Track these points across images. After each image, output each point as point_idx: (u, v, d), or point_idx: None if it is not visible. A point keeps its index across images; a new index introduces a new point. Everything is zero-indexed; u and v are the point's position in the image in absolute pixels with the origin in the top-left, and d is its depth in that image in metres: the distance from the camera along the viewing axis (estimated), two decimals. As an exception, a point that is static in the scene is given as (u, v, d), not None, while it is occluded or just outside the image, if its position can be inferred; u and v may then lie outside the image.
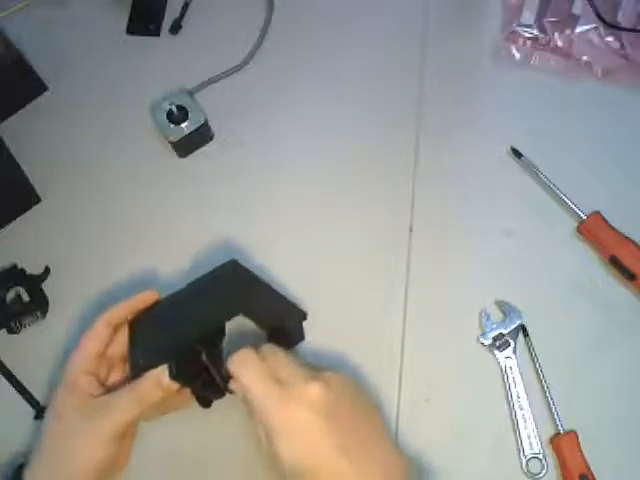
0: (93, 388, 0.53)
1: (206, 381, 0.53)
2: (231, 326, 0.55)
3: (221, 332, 0.55)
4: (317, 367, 0.51)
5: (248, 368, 0.49)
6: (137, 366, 0.53)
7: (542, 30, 0.70)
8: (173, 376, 0.50)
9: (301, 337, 0.60)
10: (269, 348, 0.51)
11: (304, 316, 0.58)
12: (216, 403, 0.54)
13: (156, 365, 0.51)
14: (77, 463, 0.50)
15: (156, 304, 0.56)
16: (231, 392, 0.51)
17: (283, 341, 0.54)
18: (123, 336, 0.56)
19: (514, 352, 0.60)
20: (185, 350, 0.52)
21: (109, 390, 0.54)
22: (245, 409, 0.50)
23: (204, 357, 0.52)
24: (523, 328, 0.61)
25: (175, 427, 0.58)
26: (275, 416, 0.48)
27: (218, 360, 0.53)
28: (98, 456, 0.50)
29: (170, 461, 0.59)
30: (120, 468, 0.54)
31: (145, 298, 0.56)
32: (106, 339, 0.55)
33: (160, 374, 0.51)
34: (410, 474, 0.49)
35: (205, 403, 0.54)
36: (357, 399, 0.51)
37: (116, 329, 0.55)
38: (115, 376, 0.56)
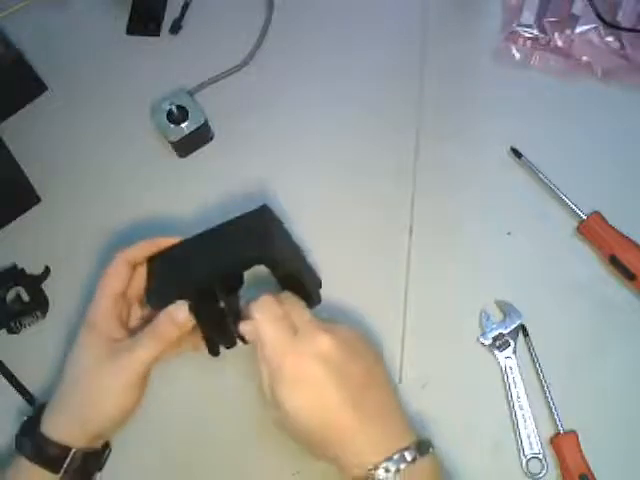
0: (115, 331, 0.53)
1: (220, 326, 0.52)
2: (249, 280, 0.55)
3: (239, 280, 0.55)
4: (333, 321, 0.51)
5: (265, 310, 0.49)
6: (153, 304, 0.53)
7: (542, 30, 0.70)
8: (190, 311, 0.51)
9: (318, 300, 0.57)
10: (288, 296, 0.51)
11: (320, 283, 0.58)
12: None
13: (172, 298, 0.51)
14: (100, 406, 0.51)
15: (178, 245, 0.55)
16: (243, 341, 0.51)
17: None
18: (141, 276, 0.55)
19: (514, 352, 0.60)
20: (202, 290, 0.52)
21: (130, 331, 0.54)
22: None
23: (221, 303, 0.52)
24: (523, 328, 0.61)
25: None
26: (283, 361, 0.48)
27: (234, 307, 0.53)
28: (124, 397, 0.51)
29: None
30: (134, 410, 0.54)
31: (166, 241, 0.55)
32: (126, 277, 0.54)
33: (176, 310, 0.51)
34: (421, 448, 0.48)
35: (215, 351, 0.54)
36: (368, 357, 0.51)
37: (134, 268, 0.55)
38: (134, 316, 0.56)
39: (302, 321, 0.50)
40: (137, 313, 0.57)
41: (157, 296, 0.54)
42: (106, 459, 0.56)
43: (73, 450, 0.51)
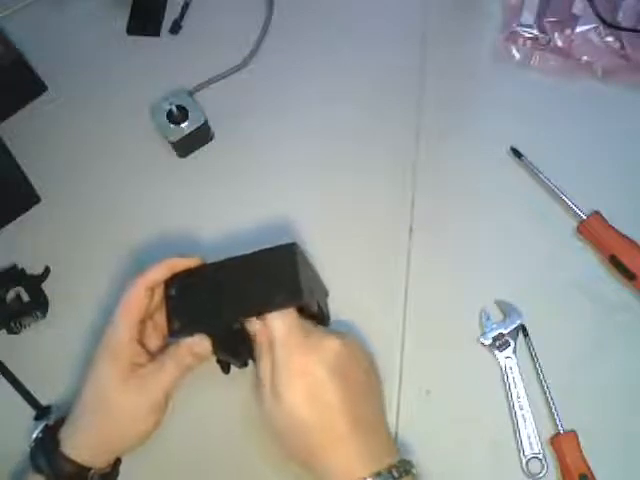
0: (137, 356, 0.53)
1: (235, 351, 0.54)
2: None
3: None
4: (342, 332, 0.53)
5: (282, 314, 0.50)
6: (175, 330, 0.53)
7: (542, 30, 0.70)
8: (214, 351, 0.52)
9: (329, 317, 0.59)
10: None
11: (327, 293, 0.60)
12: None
13: (196, 332, 0.52)
14: (127, 427, 0.53)
15: (199, 271, 0.54)
16: (254, 359, 0.53)
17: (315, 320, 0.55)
18: (158, 296, 0.55)
19: (514, 352, 0.60)
20: (226, 326, 0.53)
21: (150, 354, 0.55)
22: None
23: (236, 327, 0.53)
24: (523, 328, 0.61)
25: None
26: (292, 355, 0.49)
27: (249, 333, 0.53)
28: (147, 419, 0.53)
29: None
30: (154, 432, 0.55)
31: (187, 261, 0.54)
32: (147, 302, 0.54)
33: (199, 345, 0.52)
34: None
35: (227, 371, 0.56)
36: (369, 369, 0.52)
37: (153, 290, 0.54)
38: (153, 335, 0.56)
39: (314, 326, 0.52)
40: (154, 332, 0.56)
41: (181, 329, 0.53)
42: (117, 475, 0.56)
43: (92, 470, 0.52)
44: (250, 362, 0.56)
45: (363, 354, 0.53)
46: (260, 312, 0.51)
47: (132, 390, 0.52)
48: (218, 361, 0.56)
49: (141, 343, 0.54)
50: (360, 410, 0.49)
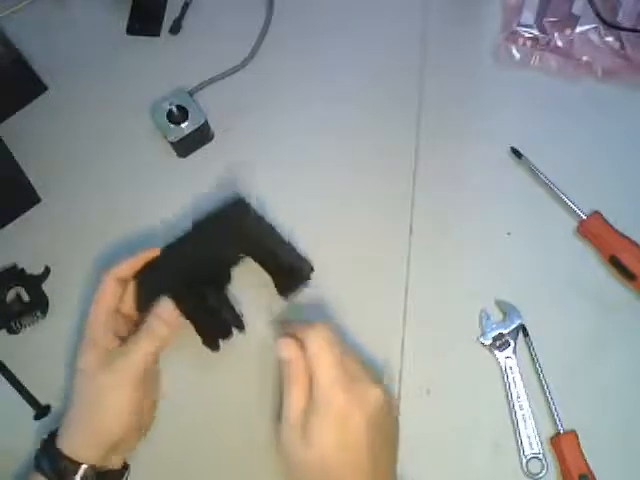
0: (111, 342, 0.55)
1: (212, 320, 0.55)
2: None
3: (227, 277, 0.57)
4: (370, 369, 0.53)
5: (328, 349, 0.50)
6: (142, 309, 0.56)
7: (542, 30, 0.70)
8: (178, 308, 0.54)
9: (308, 276, 0.60)
10: (334, 331, 0.52)
11: (311, 267, 0.60)
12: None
13: (159, 296, 0.54)
14: (106, 413, 0.52)
15: (161, 255, 0.57)
16: (239, 327, 0.55)
17: (288, 285, 0.57)
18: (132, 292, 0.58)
19: (514, 352, 0.60)
20: (190, 291, 0.55)
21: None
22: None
23: (210, 300, 0.55)
24: (523, 328, 0.61)
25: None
26: (335, 398, 0.48)
27: (225, 301, 0.56)
28: (124, 401, 0.52)
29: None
30: (147, 422, 0.56)
31: (148, 254, 0.58)
32: (117, 293, 0.56)
33: (161, 307, 0.54)
34: None
35: (213, 346, 0.57)
36: (395, 426, 0.53)
37: (125, 285, 0.57)
38: (131, 332, 0.57)
39: (355, 367, 0.51)
40: (134, 328, 0.57)
41: (145, 302, 0.56)
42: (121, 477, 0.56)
43: (84, 466, 0.52)
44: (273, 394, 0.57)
45: (394, 407, 0.53)
46: (212, 268, 0.55)
47: (104, 373, 0.52)
48: (199, 333, 0.56)
49: (120, 337, 0.55)
50: (382, 463, 0.50)
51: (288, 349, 0.51)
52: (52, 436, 0.54)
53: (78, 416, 0.53)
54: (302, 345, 0.50)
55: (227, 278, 0.57)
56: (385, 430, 0.51)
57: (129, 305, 0.58)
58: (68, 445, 0.52)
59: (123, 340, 0.55)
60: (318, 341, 0.50)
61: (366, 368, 0.52)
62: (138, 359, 0.53)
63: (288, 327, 0.54)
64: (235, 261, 0.56)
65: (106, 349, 0.54)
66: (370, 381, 0.50)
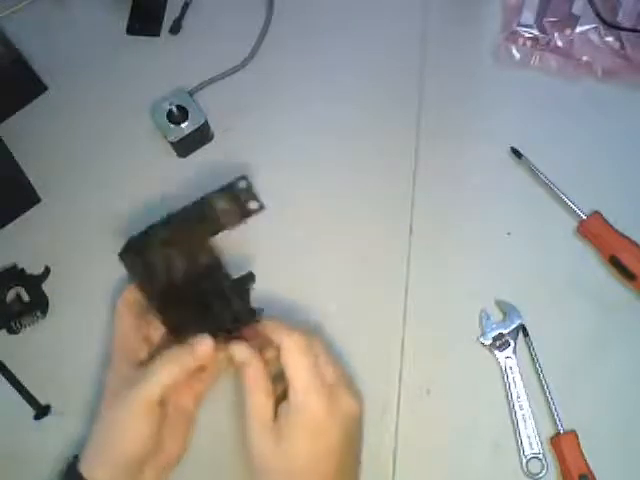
0: (133, 365, 0.54)
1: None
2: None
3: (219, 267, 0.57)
4: (347, 376, 0.54)
5: (303, 352, 0.50)
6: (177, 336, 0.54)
7: (542, 30, 0.70)
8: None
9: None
10: (317, 340, 0.53)
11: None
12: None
13: (186, 331, 0.53)
14: (121, 437, 0.51)
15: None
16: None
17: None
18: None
19: (514, 352, 0.60)
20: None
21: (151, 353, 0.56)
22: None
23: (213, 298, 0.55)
24: (523, 328, 0.61)
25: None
26: (308, 406, 0.49)
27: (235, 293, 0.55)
28: (139, 428, 0.50)
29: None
30: (174, 455, 0.54)
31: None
32: (131, 314, 0.56)
33: (200, 343, 0.52)
34: None
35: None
36: (361, 438, 0.54)
37: (142, 309, 0.57)
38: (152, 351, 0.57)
39: (331, 373, 0.52)
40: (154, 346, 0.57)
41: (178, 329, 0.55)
42: None
43: None
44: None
45: (362, 419, 0.53)
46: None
47: (121, 396, 0.51)
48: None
49: (141, 359, 0.55)
50: (348, 474, 0.51)
51: (242, 352, 0.52)
52: (76, 458, 0.53)
53: (96, 441, 0.53)
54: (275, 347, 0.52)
55: (220, 269, 0.56)
56: (355, 442, 0.52)
57: (152, 329, 0.58)
58: (87, 469, 0.51)
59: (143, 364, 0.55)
60: (292, 345, 0.51)
61: (346, 379, 0.53)
62: (151, 388, 0.50)
63: (266, 327, 0.54)
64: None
65: (127, 373, 0.53)
66: (347, 391, 0.51)
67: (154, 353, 0.56)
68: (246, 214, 0.57)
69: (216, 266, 0.56)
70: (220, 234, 0.59)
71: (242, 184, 0.57)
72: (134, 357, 0.55)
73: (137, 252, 0.56)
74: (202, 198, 0.57)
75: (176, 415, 0.54)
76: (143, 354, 0.56)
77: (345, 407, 0.50)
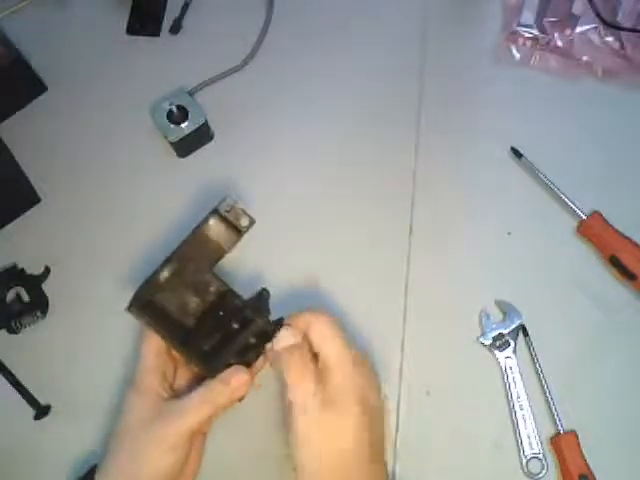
0: (161, 388, 0.53)
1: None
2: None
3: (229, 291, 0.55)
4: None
5: (335, 330, 0.52)
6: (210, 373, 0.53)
7: (542, 30, 0.70)
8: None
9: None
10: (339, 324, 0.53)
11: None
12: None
13: (220, 365, 0.52)
14: (146, 467, 0.50)
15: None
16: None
17: None
18: None
19: (514, 352, 0.60)
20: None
21: (174, 391, 0.54)
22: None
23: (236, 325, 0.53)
24: (523, 328, 0.61)
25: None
26: (352, 381, 0.50)
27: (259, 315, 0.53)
28: (166, 461, 0.49)
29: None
30: (191, 474, 0.53)
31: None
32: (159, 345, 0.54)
33: (237, 379, 0.51)
34: None
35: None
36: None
37: None
38: (181, 378, 0.55)
39: (360, 354, 0.52)
40: (183, 373, 0.56)
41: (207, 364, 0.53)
42: None
43: None
44: None
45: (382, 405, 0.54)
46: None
47: (154, 427, 0.50)
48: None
49: (168, 380, 0.54)
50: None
51: (295, 335, 0.52)
52: (92, 473, 0.52)
53: (115, 463, 0.51)
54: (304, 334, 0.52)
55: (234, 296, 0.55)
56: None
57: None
58: None
59: (171, 387, 0.54)
60: (321, 326, 0.51)
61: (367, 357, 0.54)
62: (190, 422, 0.49)
63: (290, 319, 0.53)
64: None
65: (155, 397, 0.52)
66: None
67: (190, 384, 0.55)
68: (240, 232, 0.56)
69: (226, 291, 0.55)
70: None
71: (226, 205, 0.55)
72: (167, 386, 0.54)
73: (147, 301, 0.54)
74: (193, 231, 0.56)
75: (197, 439, 0.53)
76: (177, 382, 0.55)
77: (376, 379, 0.52)
